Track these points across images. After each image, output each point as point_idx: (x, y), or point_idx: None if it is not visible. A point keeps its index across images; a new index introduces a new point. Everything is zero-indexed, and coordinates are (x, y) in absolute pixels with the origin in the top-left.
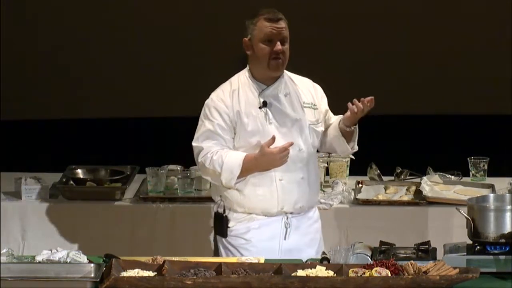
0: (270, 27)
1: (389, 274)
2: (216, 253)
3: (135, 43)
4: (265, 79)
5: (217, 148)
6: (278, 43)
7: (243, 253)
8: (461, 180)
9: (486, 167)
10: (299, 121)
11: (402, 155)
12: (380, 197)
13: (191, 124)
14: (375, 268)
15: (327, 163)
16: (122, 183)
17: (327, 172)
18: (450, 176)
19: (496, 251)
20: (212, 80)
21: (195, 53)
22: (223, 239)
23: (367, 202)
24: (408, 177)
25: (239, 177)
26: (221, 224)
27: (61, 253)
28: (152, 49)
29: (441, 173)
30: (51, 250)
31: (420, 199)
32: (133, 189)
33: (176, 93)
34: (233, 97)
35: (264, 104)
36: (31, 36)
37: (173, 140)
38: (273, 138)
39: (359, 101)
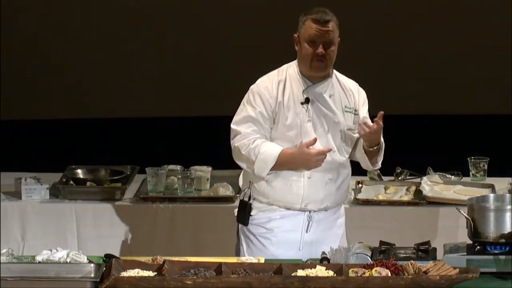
0: (315, 29)
1: (389, 274)
2: (238, 243)
3: (135, 43)
4: (311, 76)
5: (255, 136)
6: (321, 46)
7: (263, 242)
8: (461, 180)
9: (486, 167)
10: (338, 124)
11: (402, 155)
12: (380, 197)
13: (191, 124)
14: (375, 268)
15: None
16: (122, 183)
17: None
18: (450, 176)
19: (496, 251)
20: (212, 80)
21: (195, 53)
22: (244, 228)
23: (367, 202)
24: (408, 177)
25: (272, 169)
26: (243, 212)
27: (61, 253)
28: (153, 50)
29: (441, 173)
30: (51, 250)
31: (420, 199)
32: (133, 189)
33: (176, 93)
34: (279, 88)
35: (307, 100)
36: (31, 36)
37: (173, 140)
38: (315, 140)
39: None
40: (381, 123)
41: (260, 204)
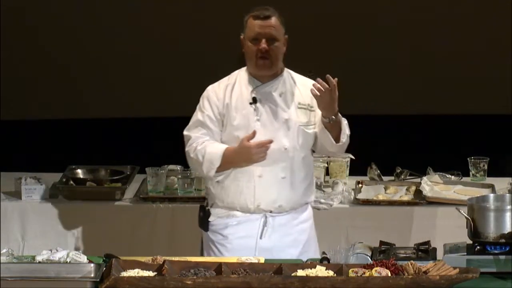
0: (257, 25)
1: (389, 274)
2: (201, 249)
3: (135, 44)
4: (260, 76)
5: (204, 139)
6: (263, 41)
7: (220, 249)
8: (461, 180)
9: (486, 167)
10: (288, 121)
11: (402, 155)
12: (380, 197)
13: None
14: (375, 268)
15: (327, 163)
16: (122, 183)
17: (327, 172)
18: (450, 176)
19: (496, 251)
20: (212, 80)
21: (195, 54)
22: (205, 234)
23: (367, 202)
24: (408, 177)
25: (219, 169)
26: (203, 218)
27: (61, 253)
28: (152, 50)
29: (441, 173)
30: (51, 250)
31: (420, 199)
32: (133, 189)
33: (176, 93)
34: (227, 90)
35: (254, 100)
36: (31, 36)
37: (173, 140)
38: (254, 133)
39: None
40: (334, 83)
41: (218, 209)
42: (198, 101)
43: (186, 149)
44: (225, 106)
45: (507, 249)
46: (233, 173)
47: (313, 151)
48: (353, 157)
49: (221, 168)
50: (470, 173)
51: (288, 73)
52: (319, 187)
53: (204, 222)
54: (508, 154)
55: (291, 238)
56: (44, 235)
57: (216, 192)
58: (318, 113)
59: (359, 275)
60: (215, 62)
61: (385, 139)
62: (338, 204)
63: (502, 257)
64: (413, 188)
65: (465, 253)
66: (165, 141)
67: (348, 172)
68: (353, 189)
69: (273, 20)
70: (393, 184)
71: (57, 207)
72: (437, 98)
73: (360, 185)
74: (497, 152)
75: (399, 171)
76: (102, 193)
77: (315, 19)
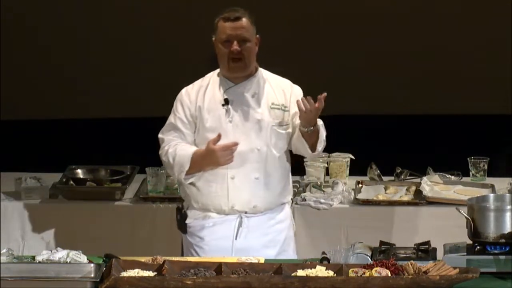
0: (227, 27)
1: (389, 274)
2: (182, 250)
3: (135, 44)
4: (233, 77)
5: (176, 141)
6: (235, 43)
7: (197, 251)
8: (461, 180)
9: (486, 167)
10: (261, 122)
11: (402, 155)
12: (380, 197)
13: None
14: (375, 268)
15: (327, 163)
16: (122, 183)
17: (327, 172)
18: (450, 176)
19: (496, 251)
20: None
21: (195, 54)
22: (183, 236)
23: (367, 202)
24: (408, 177)
25: (190, 171)
26: (180, 220)
27: (61, 253)
28: (152, 49)
29: (441, 173)
30: (51, 250)
31: (420, 199)
32: (133, 189)
33: (176, 93)
34: (199, 92)
35: (226, 101)
36: (31, 36)
37: None
38: (219, 136)
39: (316, 99)
40: (323, 102)
41: (194, 211)
42: None
43: (160, 151)
44: (198, 108)
45: (507, 249)
46: (206, 175)
47: (291, 151)
48: (353, 157)
49: (192, 171)
50: (470, 173)
51: (262, 73)
52: (319, 187)
53: (181, 224)
54: (508, 154)
55: (268, 238)
56: (44, 235)
57: (191, 194)
58: (292, 112)
59: (359, 275)
60: (216, 63)
61: (385, 139)
62: (338, 204)
63: (502, 257)
64: (413, 188)
65: (465, 253)
66: None
67: (348, 172)
68: (353, 189)
69: (244, 21)
70: (393, 184)
71: (57, 207)
72: (437, 98)
73: (360, 185)
74: (497, 152)
75: (399, 171)
76: (102, 193)
77: (315, 19)
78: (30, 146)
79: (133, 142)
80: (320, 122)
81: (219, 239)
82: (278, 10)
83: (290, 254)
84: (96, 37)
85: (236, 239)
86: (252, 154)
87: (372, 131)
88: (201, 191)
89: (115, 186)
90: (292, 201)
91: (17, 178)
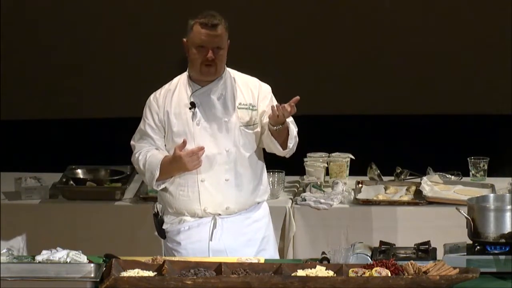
0: (204, 34)
1: (389, 274)
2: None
3: (135, 44)
4: (200, 80)
5: (147, 148)
6: (210, 51)
7: (176, 256)
8: (461, 180)
9: (486, 167)
10: (228, 123)
11: (402, 155)
12: (380, 197)
13: None
14: (375, 268)
15: (327, 163)
16: (122, 183)
17: (327, 172)
18: (450, 176)
19: (496, 251)
20: None
21: None
22: (163, 241)
23: (367, 202)
24: (408, 177)
25: (161, 177)
26: (158, 226)
27: (61, 253)
28: (152, 49)
29: (441, 173)
30: (51, 250)
31: (420, 199)
32: (133, 189)
33: None
34: (167, 97)
35: (192, 105)
36: (31, 36)
37: None
38: (184, 142)
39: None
40: (295, 108)
41: (170, 216)
42: None
43: (131, 158)
44: (165, 113)
45: (507, 249)
46: (178, 180)
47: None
48: (353, 157)
49: (162, 177)
50: (470, 173)
51: (229, 73)
52: (319, 187)
53: (160, 229)
54: (508, 154)
55: (246, 237)
56: (44, 235)
57: (165, 199)
58: (260, 111)
59: (359, 275)
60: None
61: (385, 139)
62: (338, 204)
63: (502, 257)
64: (413, 188)
65: (465, 253)
66: None
67: (348, 172)
68: (353, 189)
69: (220, 29)
70: (393, 184)
71: (57, 207)
72: (437, 98)
73: (360, 185)
74: (497, 152)
75: (399, 171)
76: (102, 193)
77: (314, 19)
78: (30, 146)
79: None
80: (289, 119)
81: (195, 242)
82: (275, 9)
83: (271, 253)
84: (96, 38)
85: (211, 240)
86: (220, 156)
87: (372, 131)
88: (174, 196)
89: (115, 186)
90: (292, 201)
91: (17, 178)
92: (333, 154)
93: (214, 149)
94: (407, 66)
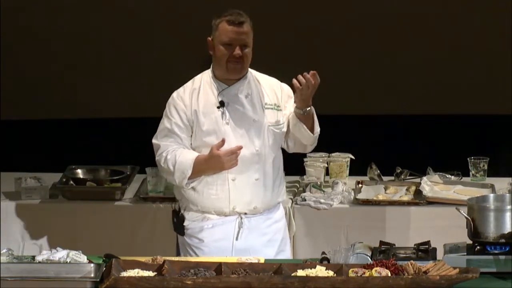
0: (231, 31)
1: (389, 274)
2: (178, 251)
3: (135, 44)
4: (226, 79)
5: (174, 147)
6: (238, 48)
7: (197, 253)
8: (461, 180)
9: (486, 167)
10: (257, 122)
11: (402, 155)
12: (380, 197)
13: None
14: (375, 268)
15: (327, 163)
16: (122, 183)
17: (327, 172)
18: (450, 176)
19: (496, 251)
20: None
21: (195, 54)
22: (181, 238)
23: (367, 202)
24: (408, 177)
25: (191, 177)
26: (178, 222)
27: (61, 253)
28: (152, 49)
29: (441, 173)
30: (51, 250)
31: (420, 199)
32: (133, 189)
33: None
34: (193, 96)
35: (222, 103)
36: (31, 36)
37: None
38: (223, 141)
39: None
40: (318, 78)
41: (192, 213)
42: None
43: (156, 158)
44: (193, 112)
45: (507, 249)
46: (207, 178)
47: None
48: (353, 157)
49: (193, 176)
50: (470, 173)
51: (251, 73)
52: (319, 187)
53: (179, 226)
54: (508, 154)
55: (267, 238)
56: (44, 235)
57: (189, 196)
58: (285, 112)
59: (359, 275)
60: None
61: (385, 139)
62: (338, 204)
63: (502, 257)
64: (413, 188)
65: (465, 253)
66: None
67: (348, 172)
68: (353, 189)
69: (246, 26)
70: (393, 184)
71: (57, 207)
72: (437, 98)
73: (360, 185)
74: (497, 152)
75: (399, 171)
76: (102, 193)
77: (314, 19)
78: (30, 146)
79: (133, 142)
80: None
81: (219, 241)
82: (274, 10)
83: (288, 254)
84: (96, 38)
85: (237, 239)
86: (251, 156)
87: (372, 131)
88: (201, 194)
89: (115, 186)
90: (292, 201)
91: (17, 178)
92: (333, 154)
93: (244, 148)
94: (407, 66)
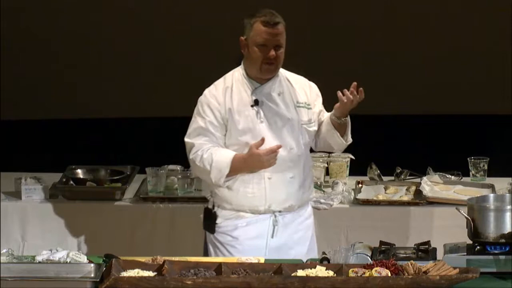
0: (265, 32)
1: (389, 274)
2: (206, 249)
3: (135, 44)
4: (259, 78)
5: (208, 146)
6: (272, 50)
7: (230, 250)
8: (461, 180)
9: (486, 167)
10: (291, 120)
11: (402, 155)
12: (380, 197)
13: None
14: (375, 268)
15: (327, 163)
16: (122, 183)
17: (327, 172)
18: (450, 176)
19: (496, 251)
20: (213, 80)
21: (196, 54)
22: (211, 236)
23: (367, 202)
24: (408, 177)
25: (228, 176)
26: (209, 220)
27: (61, 253)
28: (152, 49)
29: (441, 173)
30: (51, 250)
31: (420, 199)
32: (133, 189)
33: (176, 93)
34: (226, 94)
35: (256, 102)
36: (31, 36)
37: (173, 140)
38: (263, 140)
39: (348, 91)
40: (363, 94)
41: (225, 211)
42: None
43: (190, 157)
44: (228, 111)
45: (507, 249)
46: (242, 177)
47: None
48: (353, 157)
49: (229, 175)
50: (470, 173)
51: (281, 72)
52: (319, 187)
53: (210, 224)
54: (508, 154)
55: (299, 235)
56: (44, 235)
57: (223, 195)
58: (315, 110)
59: (359, 275)
60: (215, 63)
61: (385, 139)
62: (338, 204)
63: (502, 257)
64: (413, 188)
65: (465, 253)
66: (165, 141)
67: (348, 172)
68: (353, 189)
69: (280, 27)
70: (393, 184)
71: (57, 207)
72: (437, 98)
73: (360, 185)
74: (497, 152)
75: (399, 171)
76: (102, 193)
77: (315, 20)
78: (30, 146)
79: (133, 142)
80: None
81: (254, 239)
82: (276, 10)
83: (315, 253)
84: (96, 38)
85: (272, 237)
86: (286, 154)
87: (372, 131)
88: (236, 193)
89: (115, 186)
90: None
91: (17, 178)
92: (333, 154)
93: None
94: (407, 66)
